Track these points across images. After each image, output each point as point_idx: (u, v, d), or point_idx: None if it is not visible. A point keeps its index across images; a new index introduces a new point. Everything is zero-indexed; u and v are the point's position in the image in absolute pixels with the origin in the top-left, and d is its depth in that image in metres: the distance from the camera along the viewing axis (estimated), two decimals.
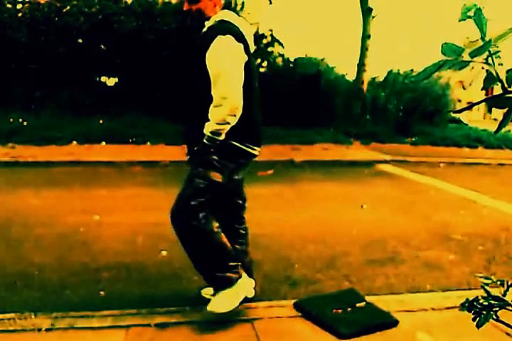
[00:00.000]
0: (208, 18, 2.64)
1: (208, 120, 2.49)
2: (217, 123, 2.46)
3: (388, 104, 13.52)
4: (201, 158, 2.58)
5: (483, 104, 1.09)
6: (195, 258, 2.69)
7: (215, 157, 2.56)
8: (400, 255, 4.16)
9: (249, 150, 2.66)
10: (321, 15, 55.29)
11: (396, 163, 9.31)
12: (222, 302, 2.64)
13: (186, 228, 2.60)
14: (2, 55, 11.08)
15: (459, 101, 20.12)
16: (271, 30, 13.47)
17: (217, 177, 2.59)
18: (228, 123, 2.48)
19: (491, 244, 4.58)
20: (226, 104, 2.44)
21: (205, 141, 2.51)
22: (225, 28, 2.57)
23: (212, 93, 2.49)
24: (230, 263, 2.66)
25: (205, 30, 2.64)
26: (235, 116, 2.47)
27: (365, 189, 6.94)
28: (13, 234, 4.31)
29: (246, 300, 2.92)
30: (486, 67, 0.97)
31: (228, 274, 2.64)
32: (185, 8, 2.65)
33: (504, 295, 1.21)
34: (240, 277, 2.71)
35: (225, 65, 2.48)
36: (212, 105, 2.48)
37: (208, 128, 2.49)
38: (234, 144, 2.59)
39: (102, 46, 11.84)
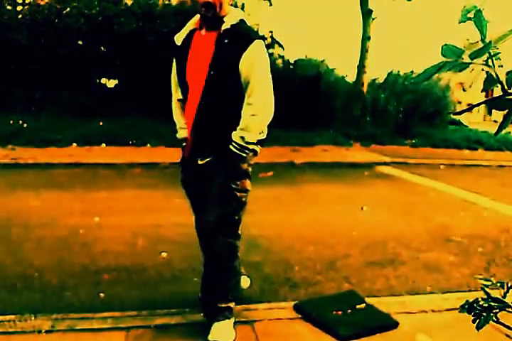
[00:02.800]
0: (224, 15, 2.35)
1: (230, 125, 2.33)
2: (259, 133, 2.34)
3: (388, 106, 13.51)
4: (237, 169, 2.40)
5: (483, 105, 1.09)
6: (217, 281, 2.57)
7: (246, 165, 2.42)
8: (400, 257, 4.16)
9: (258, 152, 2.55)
10: (321, 17, 55.35)
11: (396, 165, 9.29)
12: (225, 330, 2.51)
13: (226, 245, 2.47)
14: (2, 57, 11.08)
15: (459, 102, 20.13)
16: (271, 32, 13.48)
17: (249, 186, 2.48)
18: (262, 132, 2.38)
19: (491, 245, 4.58)
20: (264, 112, 2.32)
21: (235, 150, 2.33)
22: (254, 31, 2.42)
23: (249, 100, 2.31)
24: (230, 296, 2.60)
25: (225, 27, 2.34)
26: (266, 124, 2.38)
27: (365, 191, 6.93)
28: (13, 235, 4.31)
29: (244, 300, 2.92)
30: (486, 68, 0.97)
31: (231, 305, 2.58)
32: (206, 0, 2.29)
33: (504, 296, 1.21)
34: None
35: (266, 71, 2.34)
36: (249, 113, 2.30)
37: (245, 138, 2.31)
38: (255, 149, 2.44)
39: (102, 48, 11.85)
